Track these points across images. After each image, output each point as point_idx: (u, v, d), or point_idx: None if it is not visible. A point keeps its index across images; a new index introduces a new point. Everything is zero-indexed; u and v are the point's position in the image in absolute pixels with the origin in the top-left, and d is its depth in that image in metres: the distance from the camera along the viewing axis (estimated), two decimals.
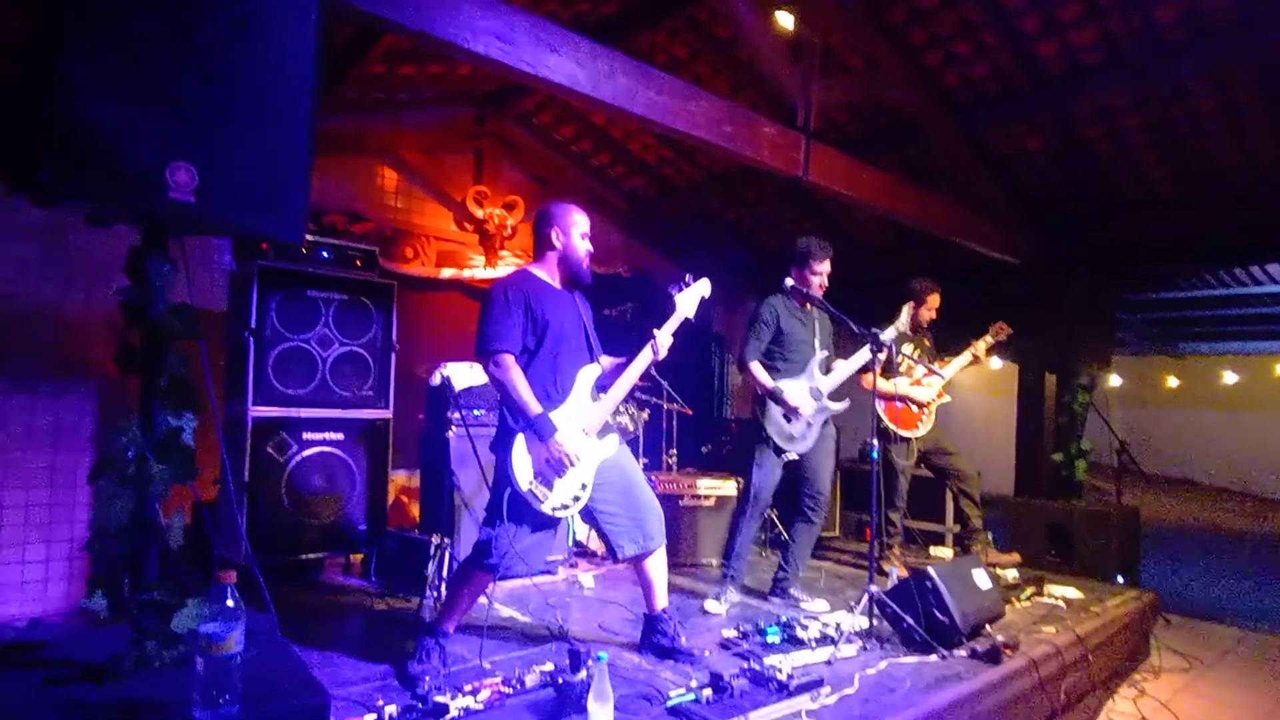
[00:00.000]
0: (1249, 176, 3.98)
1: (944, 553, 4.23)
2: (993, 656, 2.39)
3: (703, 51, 3.95)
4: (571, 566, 3.54)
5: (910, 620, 2.48)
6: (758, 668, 2.08)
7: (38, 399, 3.07)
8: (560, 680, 1.87)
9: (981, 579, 2.77)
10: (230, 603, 1.19)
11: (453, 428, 3.23)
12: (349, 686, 2.01)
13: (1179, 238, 4.55)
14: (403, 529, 3.50)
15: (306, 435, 3.14)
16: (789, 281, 3.03)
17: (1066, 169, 4.32)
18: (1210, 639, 3.68)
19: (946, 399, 3.78)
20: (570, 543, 3.58)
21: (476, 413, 3.31)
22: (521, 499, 2.09)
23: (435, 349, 4.15)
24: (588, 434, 2.19)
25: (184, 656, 1.29)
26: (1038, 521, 4.11)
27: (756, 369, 2.97)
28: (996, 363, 8.25)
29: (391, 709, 1.70)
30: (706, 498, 3.84)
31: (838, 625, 2.52)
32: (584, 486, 2.18)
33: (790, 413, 2.89)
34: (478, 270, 4.80)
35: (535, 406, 2.09)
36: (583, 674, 1.88)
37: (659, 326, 2.28)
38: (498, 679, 1.90)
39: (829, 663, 2.29)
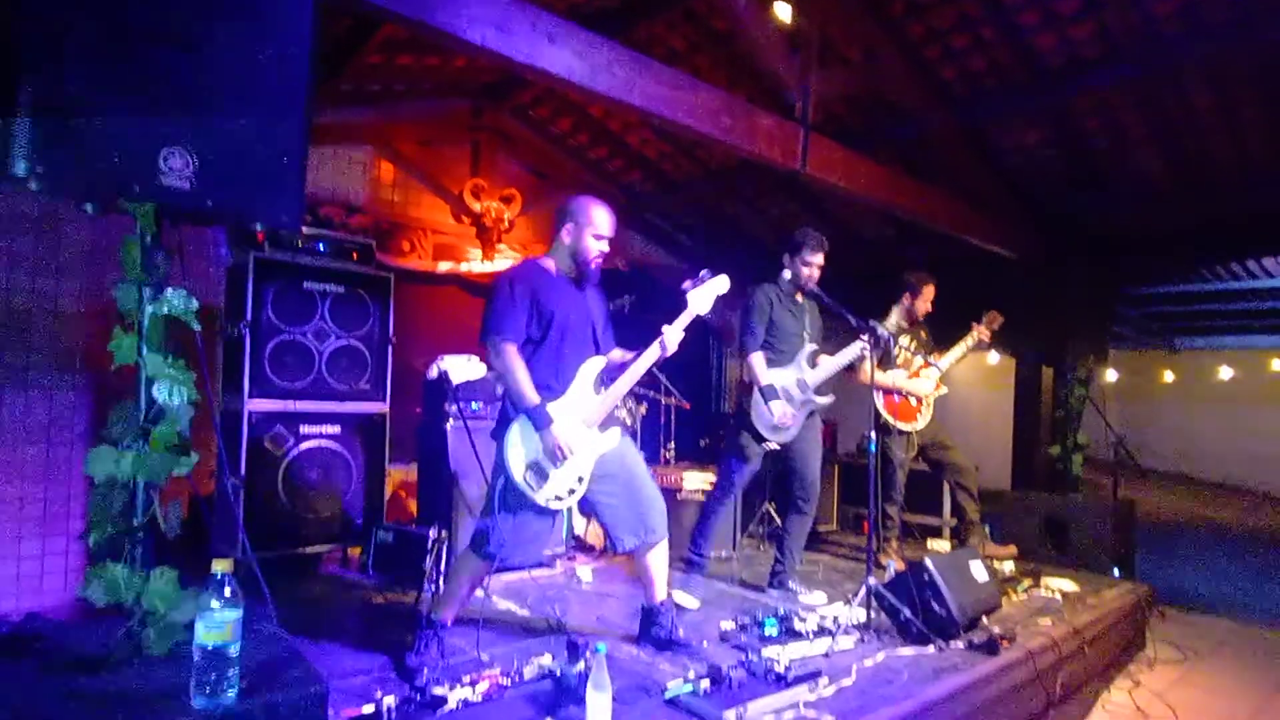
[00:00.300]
0: (1245, 171, 3.99)
1: (941, 546, 4.25)
2: (990, 648, 2.40)
3: (700, 44, 3.94)
4: (569, 560, 3.54)
5: (908, 612, 2.49)
6: (755, 659, 2.08)
7: (32, 392, 3.06)
8: (558, 672, 1.87)
9: (978, 571, 2.78)
10: (228, 592, 1.18)
11: (450, 421, 3.22)
12: (347, 678, 2.00)
13: (1176, 232, 4.56)
14: (400, 523, 3.49)
15: (303, 429, 3.13)
16: (786, 274, 3.03)
17: (1064, 163, 4.32)
18: (1205, 631, 3.70)
19: (943, 391, 3.78)
20: (565, 535, 3.58)
21: (474, 406, 3.30)
22: (516, 489, 2.09)
23: (432, 342, 4.13)
24: (588, 427, 2.18)
25: (181, 646, 1.29)
26: (1034, 515, 4.13)
27: (757, 361, 2.97)
28: (994, 357, 8.27)
29: (389, 700, 1.69)
30: (703, 491, 3.83)
31: (835, 618, 2.52)
32: (580, 480, 2.17)
33: (771, 424, 2.89)
34: (475, 264, 4.79)
35: (533, 397, 2.08)
36: (580, 665, 1.88)
37: (668, 322, 2.27)
38: (496, 670, 1.90)
39: (827, 654, 2.30)
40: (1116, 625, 3.13)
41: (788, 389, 2.96)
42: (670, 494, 3.74)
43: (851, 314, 2.88)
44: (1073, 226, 4.74)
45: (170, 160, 1.24)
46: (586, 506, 2.27)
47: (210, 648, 1.15)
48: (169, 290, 1.36)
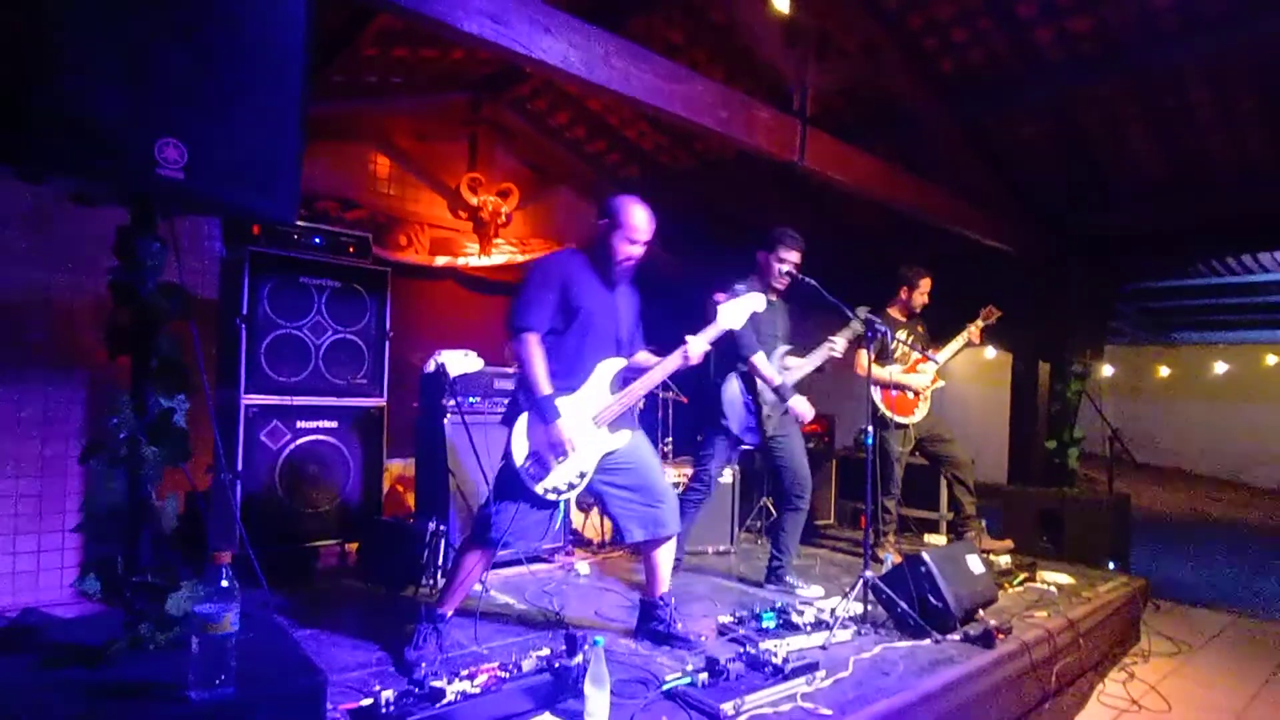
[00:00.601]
0: (1244, 166, 4.00)
1: (938, 540, 4.26)
2: (985, 640, 2.41)
3: (698, 37, 3.92)
4: (567, 554, 3.55)
5: (904, 605, 2.50)
6: (753, 652, 2.09)
7: (26, 388, 3.04)
8: (557, 665, 1.87)
9: (975, 565, 2.79)
10: (225, 584, 1.18)
11: (448, 415, 3.22)
12: (345, 672, 2.01)
13: (1174, 227, 4.57)
14: (398, 517, 3.49)
15: (300, 424, 3.12)
16: (781, 268, 2.99)
17: (1062, 157, 4.32)
18: (1198, 624, 3.73)
19: (941, 384, 3.79)
20: (562, 530, 3.58)
21: (471, 400, 3.30)
22: (517, 476, 2.10)
23: (430, 336, 4.13)
24: (597, 425, 2.18)
25: (179, 638, 1.28)
26: (1031, 509, 4.14)
27: (762, 362, 2.94)
28: (991, 352, 8.29)
29: (388, 694, 1.69)
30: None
31: (833, 610, 2.53)
32: (581, 475, 2.17)
33: (746, 425, 2.89)
34: (472, 259, 4.77)
35: (545, 388, 2.09)
36: (579, 658, 1.88)
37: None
38: (494, 664, 1.90)
39: (824, 647, 2.31)
40: (1111, 618, 3.15)
41: (789, 383, 2.96)
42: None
43: (850, 309, 2.88)
44: (1070, 222, 4.74)
45: (164, 151, 1.23)
46: (595, 495, 2.27)
47: (208, 640, 1.15)
48: (163, 284, 1.35)
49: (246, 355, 2.99)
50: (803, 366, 3.02)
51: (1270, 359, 10.15)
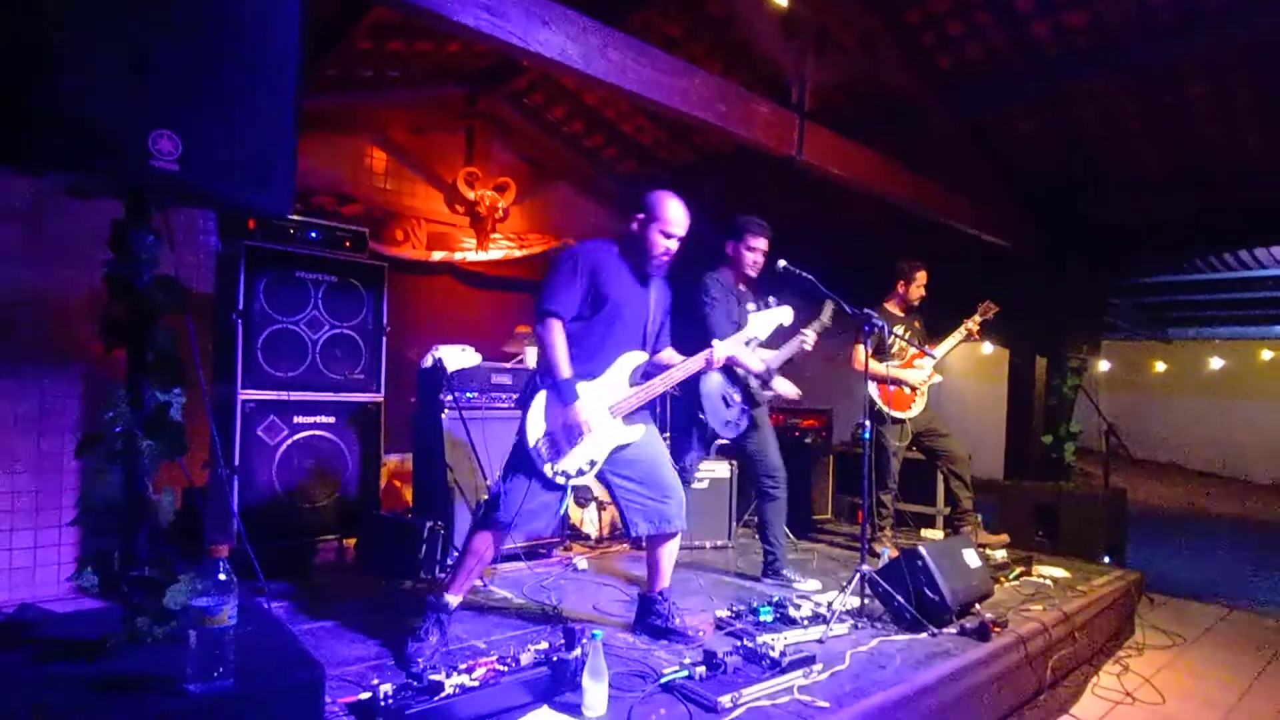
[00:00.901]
0: (1240, 161, 4.00)
1: (935, 534, 4.28)
2: (981, 634, 2.43)
3: (696, 31, 3.91)
4: (566, 549, 3.55)
5: (901, 599, 2.51)
6: (751, 645, 2.09)
7: (21, 384, 3.03)
8: (555, 658, 1.88)
9: (971, 559, 2.80)
10: (223, 577, 1.18)
11: (445, 411, 3.21)
12: (343, 666, 2.01)
13: (1172, 222, 4.58)
14: (396, 512, 3.49)
15: (297, 419, 3.11)
16: (750, 256, 2.98)
17: (1059, 153, 4.32)
18: (1193, 617, 3.75)
19: (938, 379, 3.80)
20: (562, 512, 3.58)
21: (469, 395, 3.29)
22: (528, 456, 2.11)
23: (427, 332, 4.12)
24: (613, 415, 2.19)
25: (177, 632, 1.28)
26: (1027, 503, 4.16)
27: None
28: (988, 347, 8.30)
29: (386, 687, 1.69)
30: (700, 480, 3.84)
31: (830, 604, 2.54)
32: (591, 463, 2.18)
33: (724, 420, 2.88)
34: (469, 253, 4.76)
35: (566, 370, 2.10)
36: (577, 652, 1.88)
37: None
38: (493, 658, 1.90)
39: (821, 641, 2.31)
40: (1106, 612, 3.17)
41: (770, 367, 2.96)
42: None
43: (846, 303, 2.88)
44: (1068, 217, 4.75)
45: (159, 143, 1.23)
46: (605, 483, 2.28)
47: (206, 634, 1.15)
48: (158, 277, 1.34)
49: (243, 350, 2.98)
50: (777, 358, 3.03)
51: (1266, 354, 10.19)
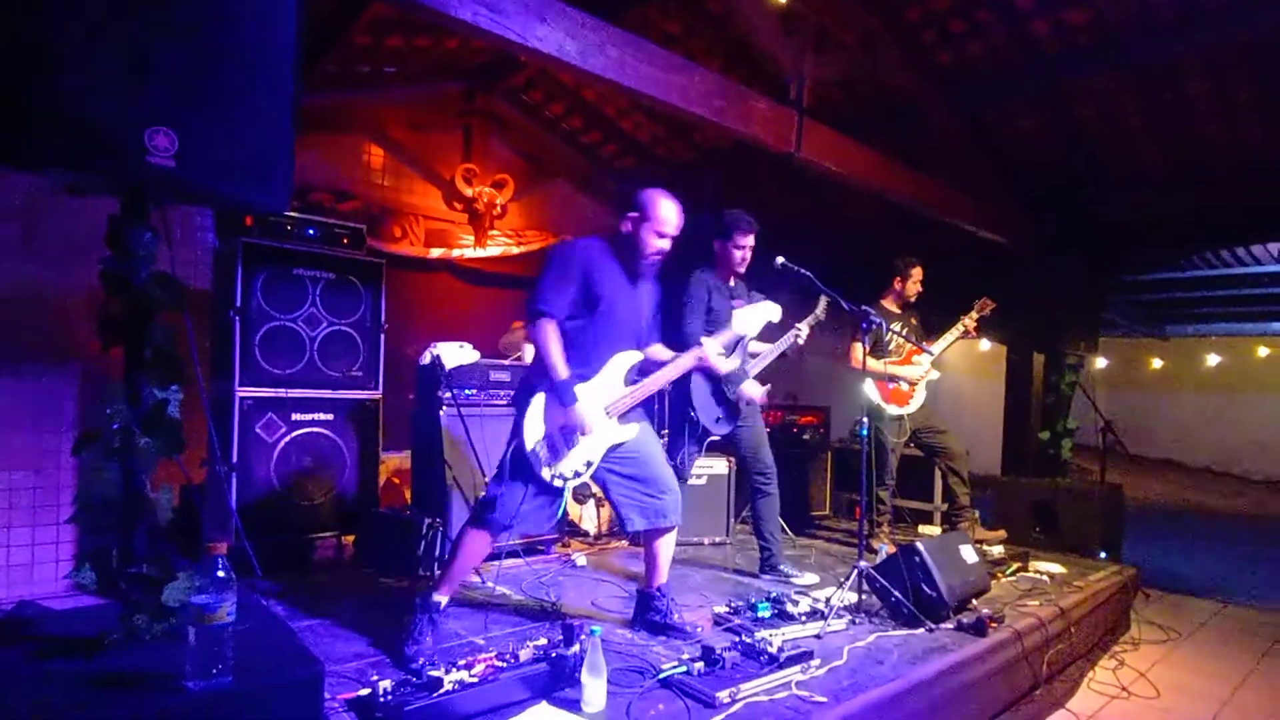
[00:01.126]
0: (1240, 158, 4.00)
1: (932, 530, 4.29)
2: (978, 629, 2.44)
3: (695, 27, 3.90)
4: (564, 546, 3.56)
5: (898, 594, 2.52)
6: (749, 641, 2.10)
7: (18, 381, 3.02)
8: (554, 654, 1.88)
9: (968, 554, 2.81)
10: (221, 574, 1.18)
11: (443, 408, 3.21)
12: (342, 662, 2.01)
13: (1170, 219, 4.58)
14: (395, 509, 3.49)
15: (295, 416, 3.11)
16: (738, 254, 2.97)
17: (1058, 149, 4.32)
18: (1188, 612, 3.77)
19: (935, 375, 3.81)
20: (560, 515, 3.59)
21: (467, 392, 3.29)
22: (525, 458, 2.10)
23: (425, 329, 4.11)
24: (609, 415, 2.18)
25: (175, 628, 1.29)
26: (1024, 499, 4.18)
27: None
28: (985, 344, 8.32)
29: (385, 683, 1.70)
30: (698, 476, 3.85)
31: (828, 600, 2.55)
32: (588, 464, 2.17)
33: (716, 416, 2.88)
34: (467, 250, 4.76)
35: (563, 371, 2.09)
36: (576, 648, 1.89)
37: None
38: (492, 654, 1.90)
39: (819, 636, 2.32)
40: (1102, 607, 3.18)
41: (742, 369, 2.96)
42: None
43: (843, 299, 2.88)
44: (1067, 214, 4.75)
45: (155, 139, 1.22)
46: (600, 482, 2.28)
47: (204, 631, 1.15)
48: (156, 274, 1.34)
49: (240, 347, 2.98)
50: (767, 354, 3.03)
51: (1262, 351, 10.22)
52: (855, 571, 2.61)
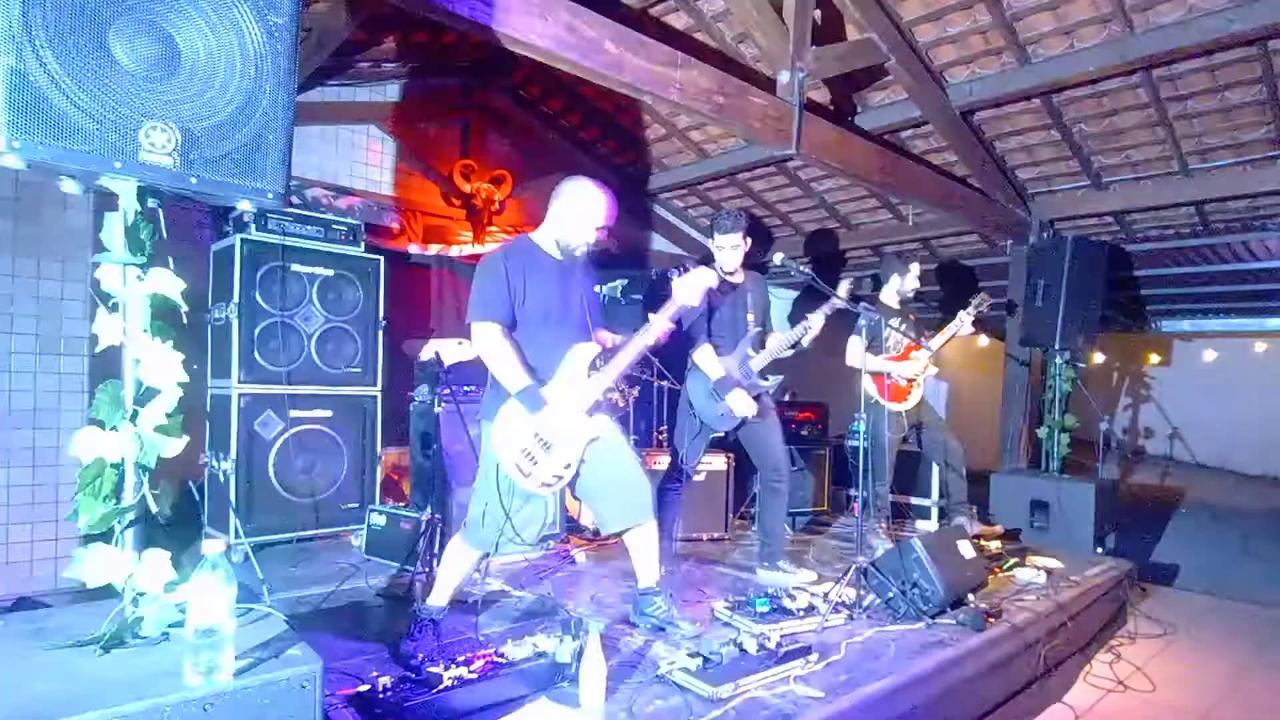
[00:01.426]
0: (1238, 154, 4.01)
1: (930, 526, 4.31)
2: (975, 624, 2.45)
3: (693, 22, 3.88)
4: (563, 542, 3.56)
5: (896, 590, 2.53)
6: (747, 637, 2.11)
7: (16, 378, 3.02)
8: (553, 651, 1.89)
9: (965, 549, 2.82)
10: (220, 571, 1.18)
11: (442, 404, 3.21)
12: (342, 659, 2.01)
13: (1168, 215, 4.58)
14: (393, 506, 3.49)
15: (294, 412, 3.11)
16: (720, 255, 2.95)
17: (1056, 145, 4.32)
18: (1184, 607, 3.79)
19: (933, 370, 3.81)
20: (558, 517, 3.59)
21: (466, 389, 3.29)
22: (506, 474, 2.06)
23: (423, 325, 4.11)
24: (578, 411, 2.16)
25: (174, 628, 1.29)
26: (1021, 495, 4.19)
27: (707, 354, 2.90)
28: (983, 340, 8.33)
29: (385, 680, 1.70)
30: (698, 473, 3.86)
31: (825, 595, 2.56)
32: (568, 465, 2.13)
33: (718, 414, 2.86)
34: (465, 246, 4.75)
35: (523, 379, 2.05)
36: (575, 644, 1.90)
37: (654, 310, 2.23)
38: (491, 650, 1.91)
39: (817, 631, 2.33)
40: (1099, 601, 3.20)
41: (731, 376, 2.94)
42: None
43: (834, 292, 2.87)
44: (1065, 209, 4.75)
45: (152, 136, 1.22)
46: (573, 489, 2.25)
47: (204, 628, 1.15)
48: (154, 270, 1.34)
49: (239, 344, 2.98)
50: (776, 347, 2.99)
51: (1259, 346, 10.25)
52: (853, 567, 2.62)
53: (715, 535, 3.87)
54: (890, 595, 2.55)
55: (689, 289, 2.23)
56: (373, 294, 3.34)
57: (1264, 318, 8.81)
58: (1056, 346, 4.57)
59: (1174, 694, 2.64)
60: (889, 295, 3.82)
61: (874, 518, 3.78)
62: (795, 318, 3.16)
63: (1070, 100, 3.90)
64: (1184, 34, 3.15)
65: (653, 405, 4.37)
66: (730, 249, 2.94)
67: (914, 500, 4.59)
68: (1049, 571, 3.31)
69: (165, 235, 1.36)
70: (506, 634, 2.24)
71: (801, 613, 2.44)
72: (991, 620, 2.49)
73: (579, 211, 2.14)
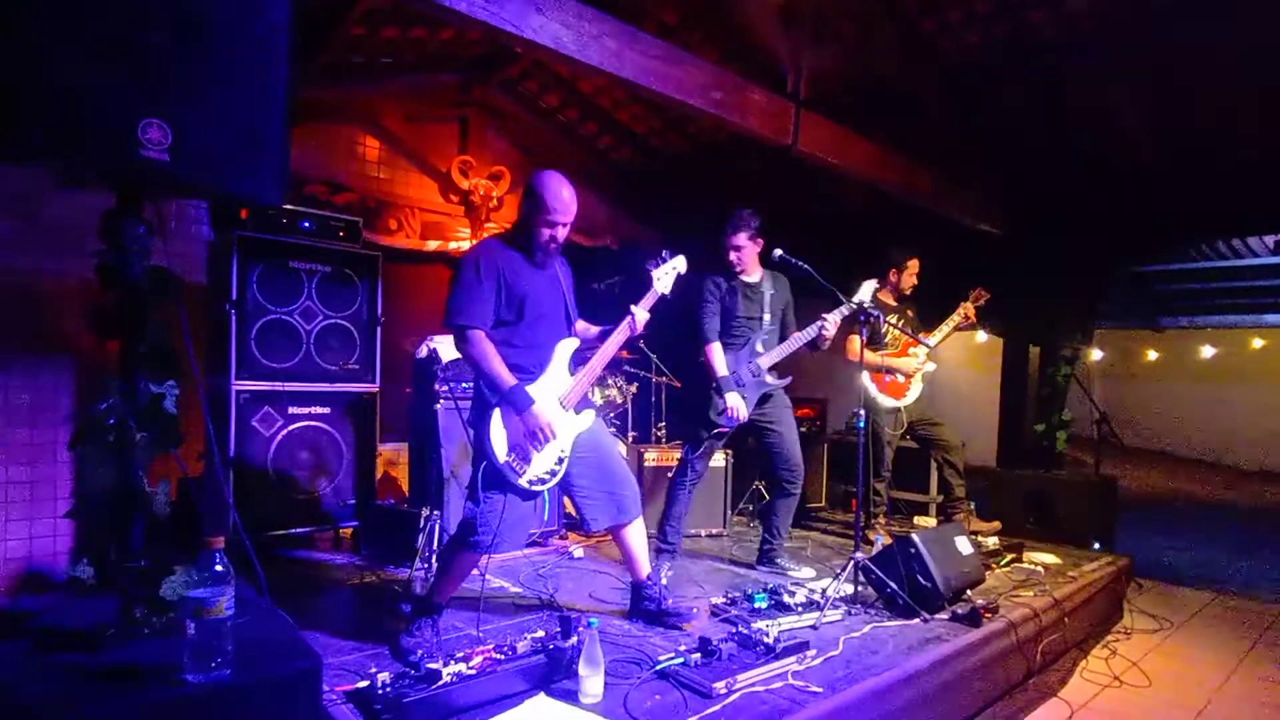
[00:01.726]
0: (1238, 150, 4.01)
1: (928, 522, 4.31)
2: (973, 619, 2.46)
3: (692, 18, 3.87)
4: (561, 538, 3.57)
5: (894, 586, 2.54)
6: (745, 632, 2.11)
7: (13, 376, 3.01)
8: (551, 646, 1.89)
9: (963, 545, 2.83)
10: (219, 568, 1.18)
11: (440, 400, 3.22)
12: (341, 655, 2.02)
13: (1166, 211, 4.58)
14: (392, 502, 3.50)
15: (292, 409, 3.11)
16: (730, 254, 2.95)
17: (1056, 140, 4.31)
18: (1180, 602, 3.81)
19: (932, 366, 3.82)
20: (556, 514, 3.60)
21: (464, 385, 3.29)
22: (499, 473, 2.07)
23: (421, 321, 4.11)
24: (565, 407, 2.17)
25: (174, 622, 1.29)
26: (1018, 491, 4.20)
27: (716, 352, 2.91)
28: (981, 336, 8.33)
29: (384, 676, 1.71)
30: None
31: (824, 591, 2.57)
32: (560, 460, 2.17)
33: (720, 410, 2.87)
34: (464, 243, 4.74)
35: (509, 379, 2.06)
36: (573, 640, 1.90)
37: (636, 302, 2.25)
38: (490, 646, 1.91)
39: (815, 627, 2.34)
40: (1096, 597, 3.21)
41: (739, 375, 2.94)
42: (662, 472, 3.77)
43: (837, 291, 2.87)
44: (1064, 205, 4.74)
45: (148, 132, 1.21)
46: (560, 486, 2.26)
47: (203, 624, 1.16)
48: (151, 267, 1.33)
49: (237, 341, 2.97)
50: (785, 346, 3.00)
51: (1257, 342, 10.27)
52: (851, 562, 2.63)
53: (714, 531, 3.88)
54: (888, 591, 2.56)
55: (665, 278, 2.26)
56: (371, 291, 3.33)
57: (1262, 314, 8.82)
58: (1054, 342, 4.57)
59: (1170, 689, 2.66)
60: (886, 291, 3.83)
61: (872, 514, 3.79)
62: (798, 315, 3.16)
63: None
64: None
65: (651, 402, 4.38)
66: (733, 250, 2.94)
67: (912, 496, 4.61)
68: (1046, 567, 3.32)
69: (163, 232, 1.36)
70: (505, 630, 2.25)
71: (800, 608, 2.45)
72: (988, 616, 2.50)
73: (536, 206, 2.13)
